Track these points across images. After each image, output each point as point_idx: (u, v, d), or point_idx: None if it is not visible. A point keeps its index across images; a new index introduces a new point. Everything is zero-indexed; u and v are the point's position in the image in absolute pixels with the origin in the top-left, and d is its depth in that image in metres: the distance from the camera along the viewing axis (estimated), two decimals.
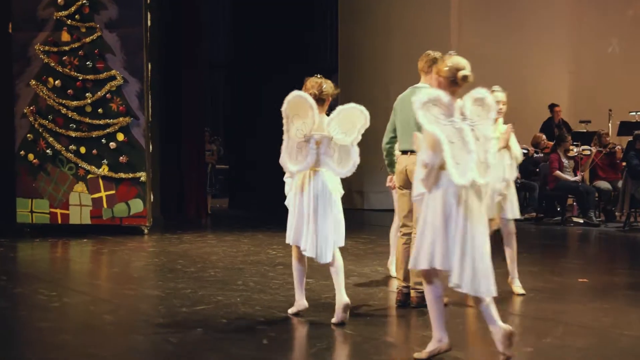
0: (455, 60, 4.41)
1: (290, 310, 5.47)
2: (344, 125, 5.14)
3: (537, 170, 12.27)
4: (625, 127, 12.67)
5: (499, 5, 14.72)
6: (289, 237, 5.25)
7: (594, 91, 14.96)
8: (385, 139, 5.83)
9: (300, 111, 5.03)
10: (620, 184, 11.38)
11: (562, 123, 13.54)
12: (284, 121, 5.07)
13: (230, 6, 14.66)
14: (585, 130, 13.07)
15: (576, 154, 11.44)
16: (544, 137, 12.71)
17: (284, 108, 5.04)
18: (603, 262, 8.59)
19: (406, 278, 5.69)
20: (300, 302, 5.47)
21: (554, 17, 14.80)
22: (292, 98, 5.02)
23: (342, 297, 5.12)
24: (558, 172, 11.31)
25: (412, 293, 5.65)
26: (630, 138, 12.43)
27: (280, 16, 14.22)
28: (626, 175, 10.49)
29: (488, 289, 4.16)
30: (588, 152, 11.38)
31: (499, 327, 4.16)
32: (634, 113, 13.16)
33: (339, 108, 5.15)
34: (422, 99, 4.22)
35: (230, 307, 5.76)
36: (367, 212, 14.27)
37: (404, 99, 5.72)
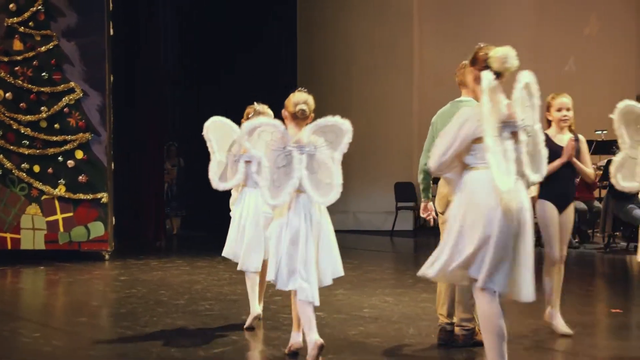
0: (296, 95, 4.68)
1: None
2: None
3: None
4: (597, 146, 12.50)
5: (460, 21, 14.46)
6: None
7: None
8: (424, 159, 5.23)
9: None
10: (595, 204, 11.18)
11: None
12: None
13: (183, 19, 13.91)
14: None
15: None
16: None
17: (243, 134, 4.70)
18: (620, 288, 8.18)
19: (450, 314, 5.15)
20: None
21: (514, 35, 14.55)
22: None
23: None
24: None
25: (458, 330, 5.11)
26: (605, 156, 12.37)
27: (237, 30, 13.59)
28: (608, 196, 10.25)
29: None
30: None
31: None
32: (599, 132, 13.04)
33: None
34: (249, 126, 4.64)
35: (253, 348, 5.11)
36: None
37: (444, 114, 5.22)
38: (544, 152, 4.04)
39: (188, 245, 11.58)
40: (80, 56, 9.65)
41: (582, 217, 11.00)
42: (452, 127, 3.97)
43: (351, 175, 13.49)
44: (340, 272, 4.74)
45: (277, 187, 4.53)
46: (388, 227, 13.70)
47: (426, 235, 12.69)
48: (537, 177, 4.01)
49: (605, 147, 12.50)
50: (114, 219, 9.86)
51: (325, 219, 4.70)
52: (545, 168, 4.06)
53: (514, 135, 3.91)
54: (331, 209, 4.73)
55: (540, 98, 4.37)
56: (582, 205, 10.99)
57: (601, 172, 11.50)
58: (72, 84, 9.61)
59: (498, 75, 4.03)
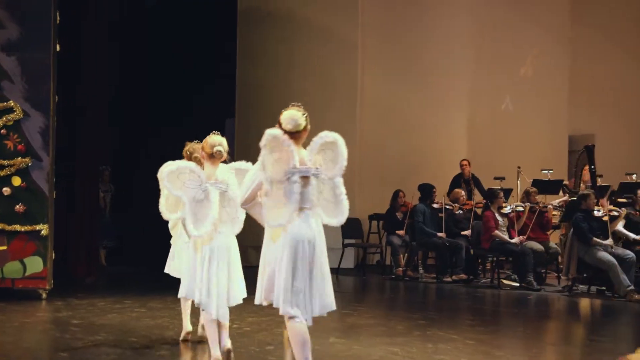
0: (212, 138, 5.30)
1: None
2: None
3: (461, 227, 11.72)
4: (543, 185, 12.33)
5: (403, 54, 14.16)
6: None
7: (491, 147, 14.76)
8: None
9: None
10: (552, 244, 11.02)
11: (471, 178, 13.08)
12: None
13: (121, 47, 13.04)
14: (500, 187, 12.67)
15: (509, 211, 10.90)
16: (462, 192, 12.16)
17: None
18: (615, 334, 7.85)
19: None
20: None
21: (455, 72, 14.49)
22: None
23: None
24: (497, 233, 10.72)
25: None
26: (552, 196, 12.25)
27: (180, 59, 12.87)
28: (572, 238, 10.03)
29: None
30: (521, 209, 10.88)
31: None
32: (546, 171, 12.94)
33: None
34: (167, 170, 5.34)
35: None
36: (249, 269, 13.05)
37: None
38: (345, 202, 4.52)
39: (123, 280, 10.66)
40: (21, 72, 8.73)
41: (538, 258, 10.78)
42: (254, 168, 4.58)
43: None
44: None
45: (199, 220, 5.11)
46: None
47: (369, 272, 12.26)
48: (334, 222, 4.50)
49: (552, 187, 12.38)
50: (54, 254, 8.89)
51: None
52: (345, 215, 4.52)
53: (305, 179, 4.39)
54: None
55: None
56: (537, 245, 10.77)
57: (558, 212, 11.36)
58: (12, 102, 8.69)
59: (292, 132, 4.46)
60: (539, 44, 15.53)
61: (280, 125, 4.48)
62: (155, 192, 5.92)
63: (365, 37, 13.73)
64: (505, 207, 10.89)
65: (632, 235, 10.07)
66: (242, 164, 5.37)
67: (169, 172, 5.29)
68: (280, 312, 4.32)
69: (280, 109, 13.67)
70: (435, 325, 7.42)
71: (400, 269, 11.98)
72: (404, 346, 6.25)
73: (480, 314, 8.65)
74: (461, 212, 11.89)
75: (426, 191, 11.76)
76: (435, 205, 11.70)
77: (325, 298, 4.44)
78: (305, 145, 4.59)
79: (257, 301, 4.56)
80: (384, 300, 10.06)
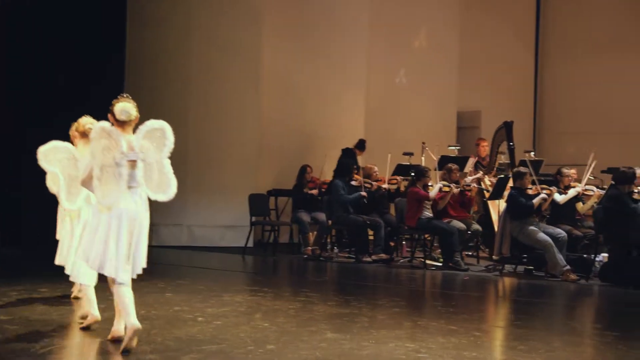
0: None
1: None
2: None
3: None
4: (444, 161, 12.03)
5: (302, 26, 13.38)
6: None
7: (388, 122, 14.38)
8: None
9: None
10: (474, 225, 10.75)
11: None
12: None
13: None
14: (409, 163, 12.28)
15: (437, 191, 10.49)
16: (375, 168, 11.62)
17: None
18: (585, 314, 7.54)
19: None
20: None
21: (352, 45, 13.92)
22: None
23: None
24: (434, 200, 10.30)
25: None
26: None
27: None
28: (505, 216, 9.75)
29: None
30: (448, 189, 10.49)
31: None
32: (453, 147, 12.68)
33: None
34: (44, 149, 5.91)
35: None
36: (156, 249, 11.99)
37: None
38: (173, 181, 5.07)
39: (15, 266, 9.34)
40: None
41: (461, 237, 10.46)
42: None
43: (186, 186, 11.91)
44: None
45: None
46: (226, 243, 12.30)
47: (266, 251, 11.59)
48: (163, 197, 5.08)
49: (459, 164, 12.09)
50: None
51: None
52: (172, 190, 5.07)
53: (132, 162, 4.98)
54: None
55: None
56: (461, 224, 10.45)
57: (474, 188, 11.00)
58: None
59: (124, 122, 5.05)
60: (431, 20, 15.28)
61: (113, 116, 5.06)
62: None
63: (268, 5, 12.83)
64: (432, 185, 10.46)
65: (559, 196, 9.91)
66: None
67: (44, 150, 5.86)
68: (118, 281, 4.98)
69: (177, 77, 12.59)
70: (421, 313, 6.83)
71: (309, 248, 11.33)
72: (418, 342, 5.57)
73: (445, 299, 8.18)
74: (374, 187, 11.34)
75: (345, 167, 11.13)
76: (353, 183, 11.10)
77: (141, 262, 5.12)
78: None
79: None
80: (328, 284, 9.30)
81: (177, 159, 5.18)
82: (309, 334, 5.67)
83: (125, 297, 5.04)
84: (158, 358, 4.89)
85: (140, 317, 5.52)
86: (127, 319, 4.98)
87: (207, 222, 12.38)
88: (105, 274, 5.04)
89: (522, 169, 9.95)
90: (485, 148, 12.82)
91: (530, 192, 9.75)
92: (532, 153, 12.40)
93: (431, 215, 10.40)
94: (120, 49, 12.00)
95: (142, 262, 5.12)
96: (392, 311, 6.96)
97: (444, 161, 12.01)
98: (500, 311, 7.41)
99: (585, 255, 9.76)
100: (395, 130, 14.37)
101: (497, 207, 11.21)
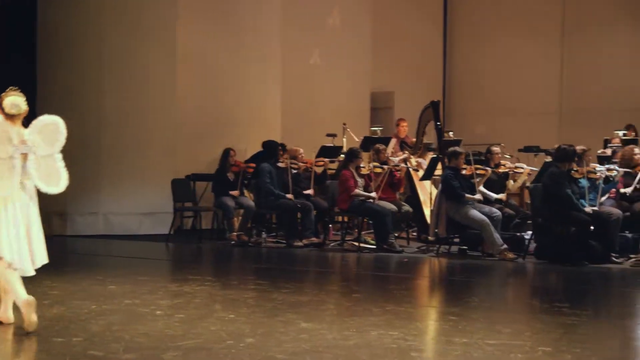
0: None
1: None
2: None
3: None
4: (367, 143, 11.90)
5: (218, 8, 12.92)
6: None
7: (305, 104, 14.14)
8: None
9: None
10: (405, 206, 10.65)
11: None
12: None
13: None
14: (332, 145, 12.09)
15: (368, 172, 10.32)
16: (301, 150, 11.35)
17: None
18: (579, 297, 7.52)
19: None
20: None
21: (267, 25, 13.54)
22: None
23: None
24: (358, 191, 10.10)
25: None
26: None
27: None
28: (440, 196, 9.68)
29: None
30: (380, 170, 10.33)
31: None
32: (375, 128, 12.55)
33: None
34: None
35: None
36: (71, 238, 11.40)
37: None
38: (64, 174, 5.20)
39: None
40: None
41: (393, 218, 10.34)
42: None
43: (101, 173, 11.31)
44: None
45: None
46: (144, 230, 11.81)
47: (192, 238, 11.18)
48: (54, 190, 5.18)
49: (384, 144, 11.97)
50: None
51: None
52: (63, 183, 5.21)
53: (24, 155, 5.09)
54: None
55: None
56: (391, 205, 10.34)
57: (403, 168, 10.90)
58: None
59: (13, 115, 5.11)
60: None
61: (2, 110, 5.10)
62: None
63: None
64: (364, 167, 10.29)
65: (493, 195, 9.93)
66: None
67: None
68: (10, 263, 5.02)
69: (90, 59, 11.87)
70: (383, 298, 6.63)
71: (234, 233, 10.98)
72: (404, 329, 5.35)
73: (398, 282, 8.02)
74: (300, 170, 11.08)
75: (272, 149, 10.82)
76: (280, 165, 10.79)
77: (41, 253, 5.23)
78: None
79: None
80: (272, 271, 8.94)
81: (92, 145, 5.07)
82: (282, 324, 5.36)
83: (11, 276, 5.07)
84: (136, 357, 4.48)
85: (94, 313, 5.21)
86: (17, 297, 5.02)
87: (124, 209, 11.83)
88: None
89: (457, 148, 9.90)
90: (405, 128, 12.76)
91: (465, 172, 9.72)
92: (451, 133, 12.45)
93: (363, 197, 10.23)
94: (31, 30, 11.29)
95: (42, 254, 5.21)
96: (353, 297, 6.75)
97: (366, 142, 11.90)
98: (462, 293, 7.27)
99: (518, 234, 9.81)
100: (313, 111, 14.18)
101: (424, 188, 11.17)
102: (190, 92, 12.37)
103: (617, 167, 9.62)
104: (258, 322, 5.45)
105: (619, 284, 8.18)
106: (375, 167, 10.32)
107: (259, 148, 11.64)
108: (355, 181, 10.16)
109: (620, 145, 11.33)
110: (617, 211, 9.26)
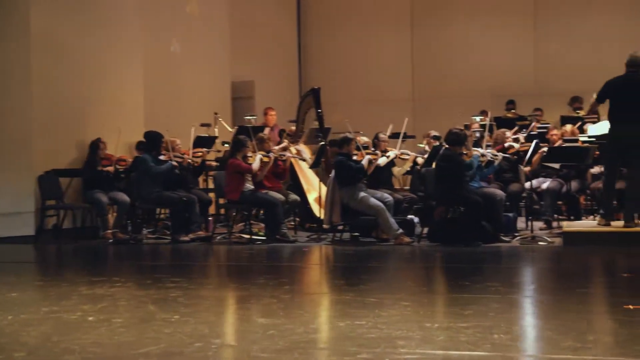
0: None
1: None
2: None
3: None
4: (242, 132, 11.58)
5: None
6: None
7: (167, 93, 13.53)
8: None
9: None
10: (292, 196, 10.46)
11: None
12: None
13: None
14: (207, 135, 11.67)
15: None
16: (178, 141, 10.87)
17: None
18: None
19: None
20: None
21: (124, 13, 12.82)
22: None
23: None
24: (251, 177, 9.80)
25: None
26: None
27: None
28: (333, 183, 9.54)
29: None
30: (267, 159, 10.06)
31: None
32: (249, 117, 12.24)
33: None
34: None
35: None
36: None
37: None
38: None
39: None
40: None
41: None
42: None
43: None
44: None
45: None
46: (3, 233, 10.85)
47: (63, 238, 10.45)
48: None
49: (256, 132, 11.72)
50: None
51: None
52: None
53: None
54: None
55: None
56: (279, 195, 10.13)
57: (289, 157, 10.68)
58: None
59: None
60: None
61: None
62: None
63: None
64: (251, 155, 9.98)
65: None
66: None
67: None
68: None
69: None
70: (327, 289, 6.40)
71: (109, 231, 10.36)
72: (378, 318, 5.14)
73: (323, 272, 7.79)
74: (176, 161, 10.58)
75: (153, 141, 10.25)
76: (162, 157, 10.26)
77: None
78: None
79: None
80: (177, 267, 8.41)
81: None
82: (243, 322, 5.03)
83: None
84: None
85: (17, 324, 4.83)
86: None
87: None
88: None
89: (348, 134, 9.81)
90: (273, 117, 12.57)
91: (356, 157, 9.66)
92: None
93: (252, 187, 9.93)
94: None
95: None
96: (291, 289, 6.44)
97: (241, 131, 11.60)
98: (395, 280, 7.18)
99: (408, 217, 9.88)
100: (177, 101, 13.60)
101: (305, 175, 11.03)
102: (45, 79, 11.38)
103: (494, 152, 9.90)
104: (214, 322, 5.06)
105: (514, 261, 8.33)
106: (263, 155, 10.04)
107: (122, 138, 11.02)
108: (245, 165, 9.84)
109: (481, 130, 11.65)
110: (500, 192, 9.55)
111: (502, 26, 16.20)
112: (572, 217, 10.82)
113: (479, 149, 9.82)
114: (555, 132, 10.43)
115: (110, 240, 10.08)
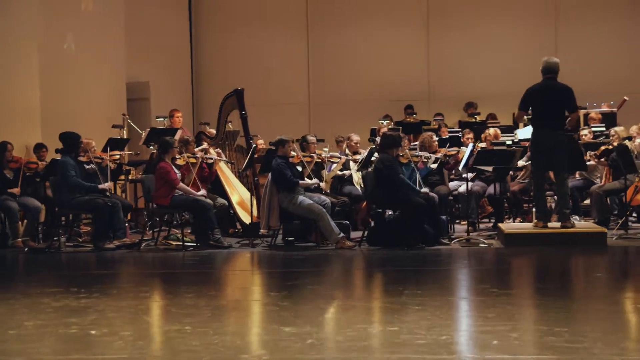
0: None
1: None
2: None
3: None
4: (154, 135, 11.09)
5: None
6: None
7: (64, 93, 12.69)
8: None
9: None
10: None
11: None
12: None
13: None
14: (119, 137, 11.05)
15: (184, 163, 9.55)
16: (93, 142, 10.20)
17: None
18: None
19: None
20: None
21: (17, 9, 11.93)
22: None
23: None
24: (183, 186, 9.29)
25: None
26: None
27: None
28: (271, 187, 9.22)
29: None
30: (194, 161, 9.61)
31: None
32: (161, 119, 11.68)
33: None
34: None
35: None
36: None
37: None
38: None
39: None
40: None
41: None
42: None
43: None
44: None
45: None
46: None
47: None
48: None
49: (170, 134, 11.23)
50: None
51: None
52: None
53: None
54: None
55: None
56: (222, 200, 9.80)
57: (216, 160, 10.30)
58: None
59: None
60: None
61: None
62: None
63: None
64: (181, 157, 9.50)
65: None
66: None
67: None
68: None
69: None
70: (314, 296, 6.11)
71: (19, 239, 9.61)
72: (402, 323, 4.93)
73: (299, 278, 7.44)
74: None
75: (71, 142, 9.53)
76: (82, 159, 9.58)
77: None
78: None
79: None
80: (138, 276, 7.75)
81: None
82: (246, 329, 4.71)
83: None
84: None
85: (8, 341, 4.44)
86: None
87: None
88: None
89: (283, 136, 9.54)
90: (179, 119, 12.08)
91: (292, 160, 9.42)
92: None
93: (198, 192, 9.46)
94: None
95: None
96: (277, 297, 6.12)
97: (154, 133, 11.12)
98: (379, 283, 6.98)
99: (344, 222, 9.70)
100: (74, 102, 12.78)
101: (228, 180, 10.66)
102: None
103: (428, 154, 9.92)
104: (219, 332, 4.71)
105: (460, 263, 8.22)
106: (189, 157, 9.59)
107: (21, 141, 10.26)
108: (175, 174, 9.34)
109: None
110: (435, 195, 9.57)
111: (396, 31, 16.34)
112: (492, 220, 11.02)
113: (424, 152, 9.80)
114: (489, 134, 10.64)
115: (26, 249, 9.32)
